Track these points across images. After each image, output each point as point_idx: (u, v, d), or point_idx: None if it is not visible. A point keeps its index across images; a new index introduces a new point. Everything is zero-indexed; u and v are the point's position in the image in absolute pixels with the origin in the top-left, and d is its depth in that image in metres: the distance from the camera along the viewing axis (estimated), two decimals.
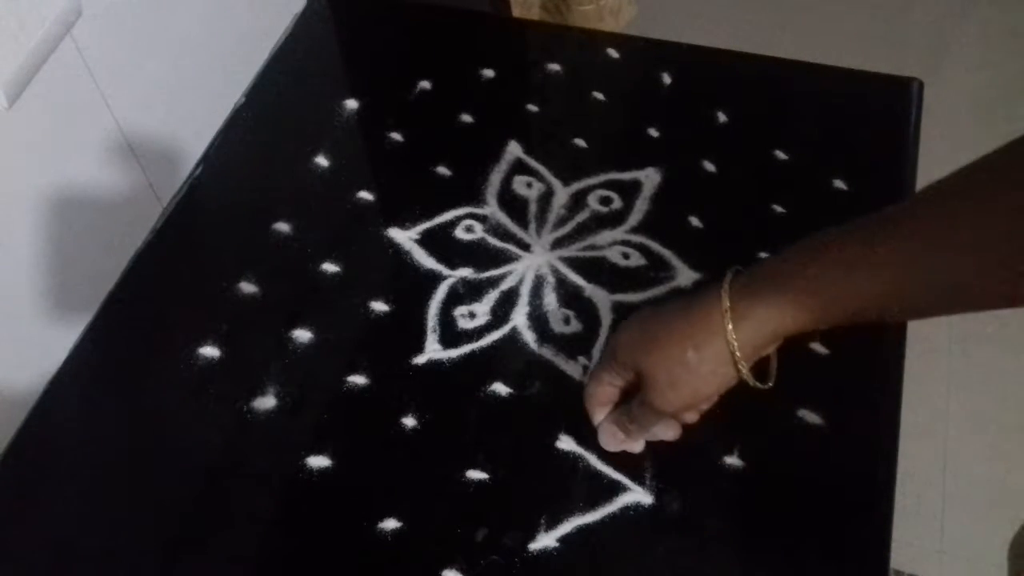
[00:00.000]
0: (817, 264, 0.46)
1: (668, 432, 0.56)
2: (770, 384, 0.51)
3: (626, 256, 0.70)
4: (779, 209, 0.71)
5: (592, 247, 0.71)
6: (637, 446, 0.58)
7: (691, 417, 0.55)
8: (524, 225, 0.73)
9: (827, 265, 0.46)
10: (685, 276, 0.68)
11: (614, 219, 0.72)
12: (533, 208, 0.74)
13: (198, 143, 0.79)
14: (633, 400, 0.54)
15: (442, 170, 0.77)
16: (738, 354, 0.49)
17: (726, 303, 0.48)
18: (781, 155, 0.75)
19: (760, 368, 0.51)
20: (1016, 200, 0.41)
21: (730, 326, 0.48)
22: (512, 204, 0.74)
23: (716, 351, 0.49)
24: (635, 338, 0.52)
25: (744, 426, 0.59)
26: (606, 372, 0.55)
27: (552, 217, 0.73)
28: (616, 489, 0.58)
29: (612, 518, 0.57)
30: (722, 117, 0.78)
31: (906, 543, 1.26)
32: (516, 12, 1.16)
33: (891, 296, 0.46)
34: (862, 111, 0.78)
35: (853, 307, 0.47)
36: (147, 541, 0.59)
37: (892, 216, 0.46)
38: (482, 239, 0.72)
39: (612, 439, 0.57)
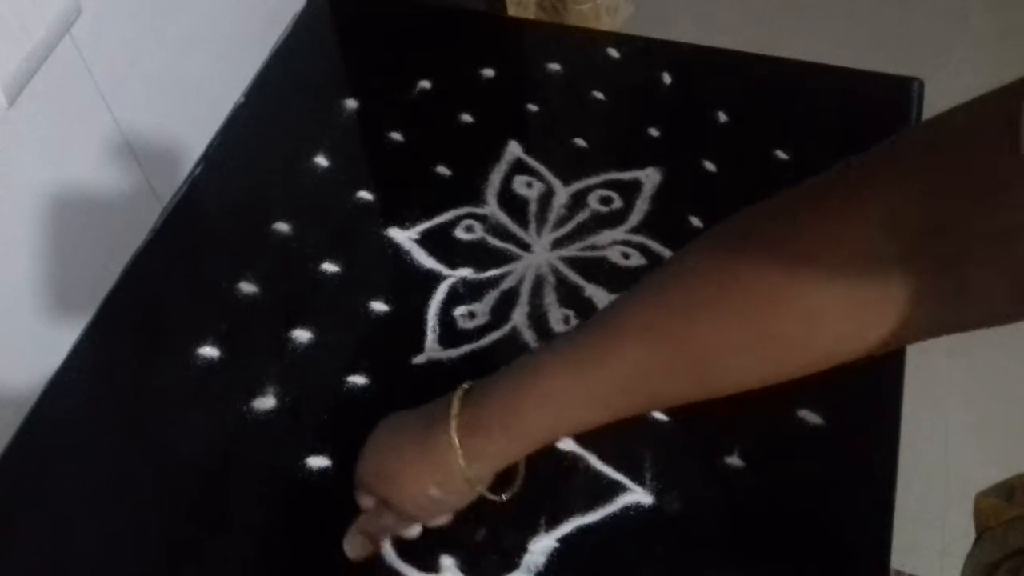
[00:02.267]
0: (533, 399, 0.46)
1: (412, 530, 0.56)
2: (504, 497, 0.52)
3: (626, 256, 0.70)
4: None
5: (592, 247, 0.71)
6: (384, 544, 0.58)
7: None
8: (524, 225, 0.73)
9: (544, 399, 0.46)
10: None
11: (614, 219, 0.72)
12: (533, 208, 0.74)
13: (198, 143, 0.79)
14: (383, 513, 0.54)
15: (442, 170, 0.77)
16: (479, 488, 0.50)
17: (456, 442, 0.48)
18: (781, 155, 0.75)
19: (508, 473, 0.52)
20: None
21: (463, 463, 0.48)
22: (512, 204, 0.74)
23: (456, 485, 0.50)
24: (375, 471, 0.53)
25: (744, 426, 0.59)
26: (360, 493, 0.55)
27: (552, 217, 0.73)
28: (616, 489, 0.59)
29: (612, 518, 0.57)
30: (722, 117, 0.78)
31: (906, 543, 1.26)
32: (512, 11, 1.16)
33: (611, 412, 0.46)
34: (862, 111, 0.78)
35: (579, 427, 0.48)
36: (147, 541, 0.59)
37: (585, 342, 0.46)
38: (482, 239, 0.72)
39: (362, 550, 0.56)
